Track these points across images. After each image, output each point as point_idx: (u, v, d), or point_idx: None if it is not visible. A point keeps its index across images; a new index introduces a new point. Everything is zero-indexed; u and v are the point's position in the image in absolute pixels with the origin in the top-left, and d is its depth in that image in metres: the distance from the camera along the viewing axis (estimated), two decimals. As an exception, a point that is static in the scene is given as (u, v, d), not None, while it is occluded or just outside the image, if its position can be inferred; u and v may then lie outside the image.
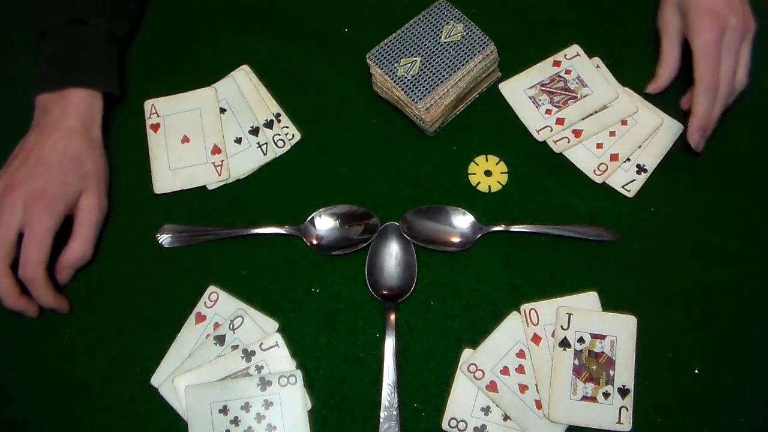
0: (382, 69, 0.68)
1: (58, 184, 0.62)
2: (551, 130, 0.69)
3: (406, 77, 0.67)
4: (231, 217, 0.67)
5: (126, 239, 0.66)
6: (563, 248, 0.66)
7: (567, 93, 0.71)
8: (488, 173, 0.69)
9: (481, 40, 0.68)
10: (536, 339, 0.61)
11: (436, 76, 0.67)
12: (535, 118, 0.70)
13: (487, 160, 0.69)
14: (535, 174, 0.69)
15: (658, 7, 0.71)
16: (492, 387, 0.60)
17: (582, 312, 0.62)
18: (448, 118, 0.71)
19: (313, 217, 0.66)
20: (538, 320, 0.62)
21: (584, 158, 0.69)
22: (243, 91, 0.71)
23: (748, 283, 0.64)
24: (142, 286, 0.65)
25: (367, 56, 0.68)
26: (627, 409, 0.59)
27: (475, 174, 0.69)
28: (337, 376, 0.62)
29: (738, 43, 0.65)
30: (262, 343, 0.61)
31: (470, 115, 0.72)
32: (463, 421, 0.59)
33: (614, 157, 0.68)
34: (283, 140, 0.70)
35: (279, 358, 0.61)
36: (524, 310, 0.63)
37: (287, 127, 0.71)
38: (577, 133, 0.69)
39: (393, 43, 0.69)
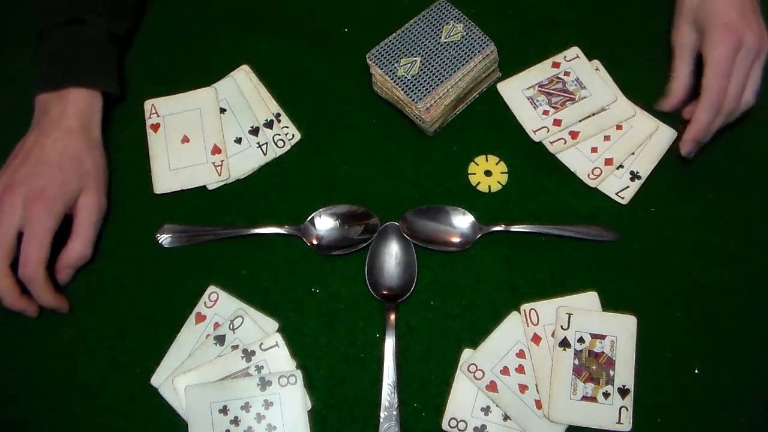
0: (382, 69, 0.68)
1: (58, 183, 0.62)
2: (548, 131, 0.69)
3: (406, 77, 0.67)
4: (231, 217, 0.67)
5: (126, 239, 0.66)
6: (563, 248, 0.66)
7: (565, 94, 0.71)
8: (488, 173, 0.69)
9: (481, 40, 0.68)
10: (536, 339, 0.61)
11: (436, 76, 0.67)
12: (532, 119, 0.70)
13: (487, 160, 0.69)
14: (535, 174, 0.69)
15: (673, 23, 0.70)
16: (492, 387, 0.60)
17: (582, 312, 0.62)
18: (448, 118, 0.71)
19: (313, 217, 0.66)
20: (538, 320, 0.62)
21: (579, 162, 0.68)
22: (243, 91, 0.71)
23: (748, 283, 0.64)
24: (142, 286, 0.65)
25: (367, 56, 0.68)
26: (627, 409, 0.59)
27: (475, 174, 0.69)
28: (337, 376, 0.61)
29: (751, 61, 0.64)
30: (262, 343, 0.61)
31: (470, 115, 0.72)
32: (463, 421, 0.59)
33: (609, 162, 0.68)
34: (283, 140, 0.70)
35: (279, 358, 0.61)
36: (524, 310, 0.63)
37: (287, 127, 0.71)
38: (574, 134, 0.69)
39: (393, 43, 0.69)
